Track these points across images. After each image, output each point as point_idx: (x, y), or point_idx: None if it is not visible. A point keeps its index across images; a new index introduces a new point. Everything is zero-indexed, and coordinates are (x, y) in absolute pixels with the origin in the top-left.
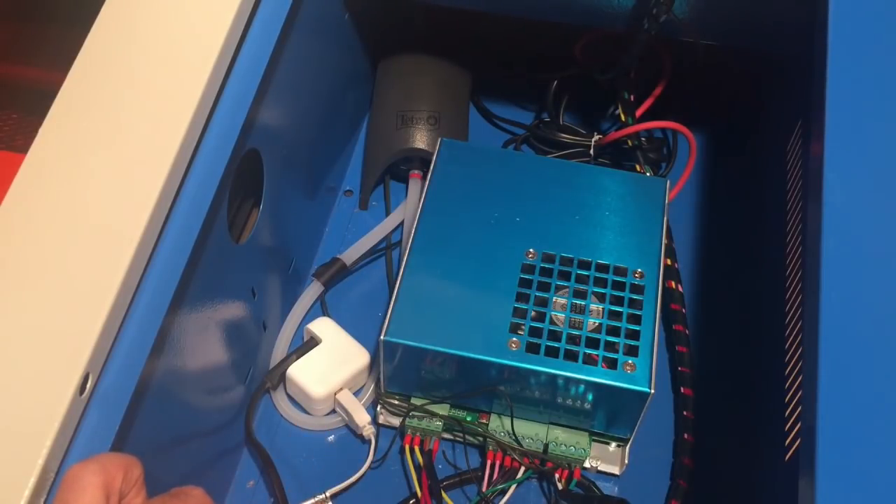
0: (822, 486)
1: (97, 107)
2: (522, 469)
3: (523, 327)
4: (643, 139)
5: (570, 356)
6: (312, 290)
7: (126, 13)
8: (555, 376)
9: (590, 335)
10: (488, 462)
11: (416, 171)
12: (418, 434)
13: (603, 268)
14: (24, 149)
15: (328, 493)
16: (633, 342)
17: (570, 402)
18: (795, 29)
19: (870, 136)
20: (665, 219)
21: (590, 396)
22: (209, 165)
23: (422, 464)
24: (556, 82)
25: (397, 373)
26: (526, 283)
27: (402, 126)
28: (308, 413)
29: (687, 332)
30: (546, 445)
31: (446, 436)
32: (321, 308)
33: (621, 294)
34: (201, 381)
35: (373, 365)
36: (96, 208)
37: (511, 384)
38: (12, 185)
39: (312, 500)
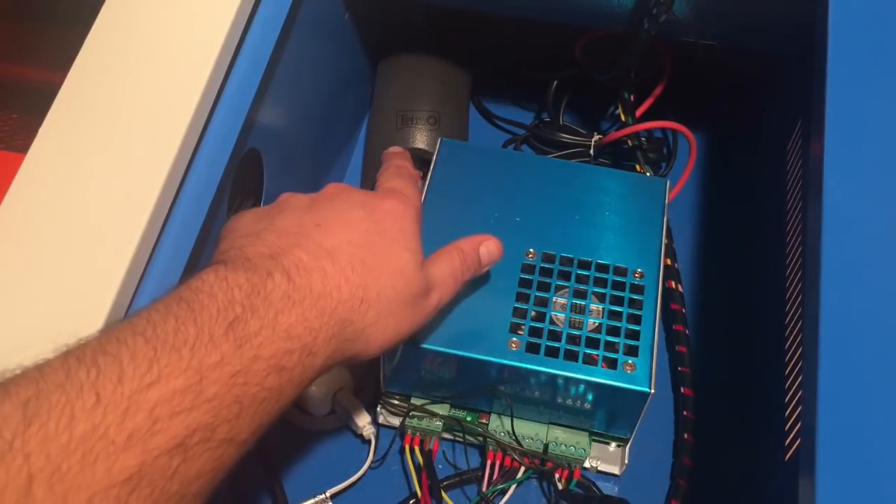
0: (822, 486)
1: (97, 107)
2: (522, 469)
3: (523, 327)
4: (643, 139)
5: (570, 356)
6: None
7: (126, 13)
8: (555, 376)
9: (590, 335)
10: (488, 462)
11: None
12: (418, 434)
13: (603, 268)
14: (24, 149)
15: (328, 493)
16: (633, 342)
17: (570, 402)
18: (795, 29)
19: (870, 136)
20: (665, 219)
21: (590, 396)
22: (209, 165)
23: (422, 464)
24: (556, 82)
25: (397, 373)
26: (526, 283)
27: (402, 126)
28: (308, 413)
29: (687, 332)
30: (546, 445)
31: (446, 436)
32: None
33: (621, 294)
34: None
35: (373, 365)
36: (96, 208)
37: (511, 384)
38: (12, 185)
39: (312, 500)
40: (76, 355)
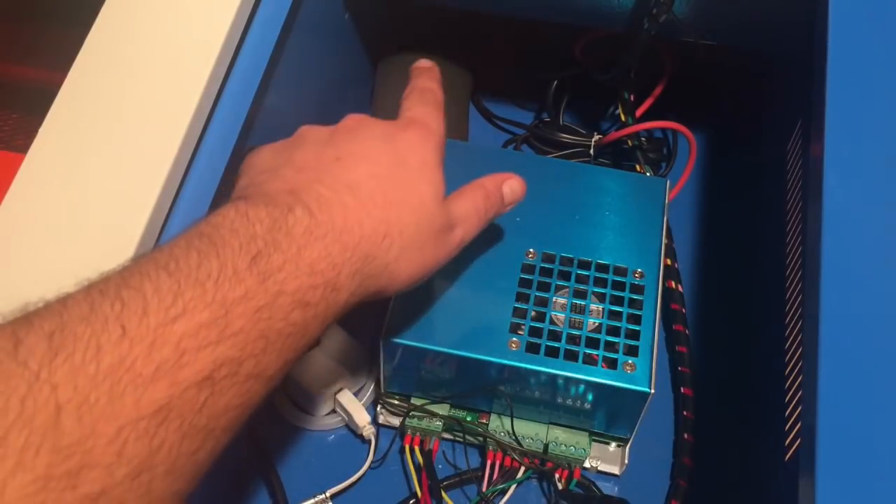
0: (822, 486)
1: (97, 107)
2: (522, 469)
3: (523, 327)
4: (643, 139)
5: (570, 356)
6: None
7: (126, 13)
8: (555, 376)
9: (590, 335)
10: (488, 462)
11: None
12: (418, 434)
13: (603, 268)
14: (24, 149)
15: (328, 493)
16: (633, 342)
17: (570, 402)
18: (795, 29)
19: (870, 136)
20: (665, 219)
21: (590, 396)
22: (209, 165)
23: (422, 464)
24: (556, 82)
25: (397, 373)
26: (526, 283)
27: None
28: (308, 413)
29: (687, 332)
30: (546, 445)
31: (446, 436)
32: None
33: (621, 294)
34: None
35: (373, 365)
36: (96, 209)
37: (511, 384)
38: (12, 185)
39: (312, 500)
40: (99, 288)
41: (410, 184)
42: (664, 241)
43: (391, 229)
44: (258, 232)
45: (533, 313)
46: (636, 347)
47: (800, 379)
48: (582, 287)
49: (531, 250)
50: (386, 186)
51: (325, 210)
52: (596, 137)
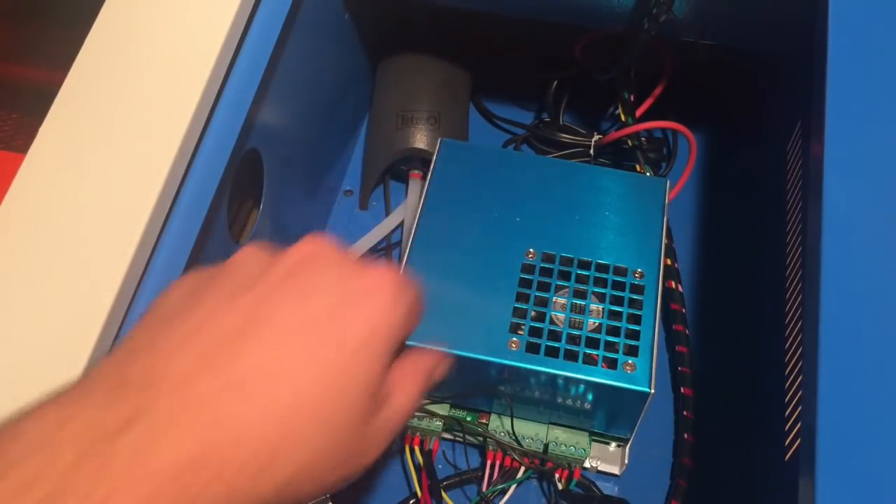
0: (822, 486)
1: (97, 107)
2: (522, 469)
3: (523, 327)
4: (643, 139)
5: (570, 356)
6: None
7: (126, 13)
8: (555, 376)
9: (590, 335)
10: (488, 462)
11: (416, 171)
12: (418, 434)
13: (603, 268)
14: (24, 149)
15: (328, 493)
16: (633, 342)
17: (570, 402)
18: (795, 29)
19: (870, 136)
20: (665, 219)
21: (590, 396)
22: (209, 165)
23: (422, 464)
24: (556, 82)
25: None
26: (526, 283)
27: (402, 126)
28: None
29: (687, 332)
30: (546, 445)
31: (446, 436)
32: None
33: (621, 294)
34: None
35: None
36: (96, 209)
37: (511, 384)
38: (12, 185)
39: (312, 500)
40: None
41: (334, 383)
42: (664, 241)
43: (279, 447)
44: (58, 468)
45: (533, 313)
46: (636, 347)
47: (800, 379)
48: (582, 287)
49: (531, 250)
50: (295, 384)
51: (176, 428)
52: (596, 137)
